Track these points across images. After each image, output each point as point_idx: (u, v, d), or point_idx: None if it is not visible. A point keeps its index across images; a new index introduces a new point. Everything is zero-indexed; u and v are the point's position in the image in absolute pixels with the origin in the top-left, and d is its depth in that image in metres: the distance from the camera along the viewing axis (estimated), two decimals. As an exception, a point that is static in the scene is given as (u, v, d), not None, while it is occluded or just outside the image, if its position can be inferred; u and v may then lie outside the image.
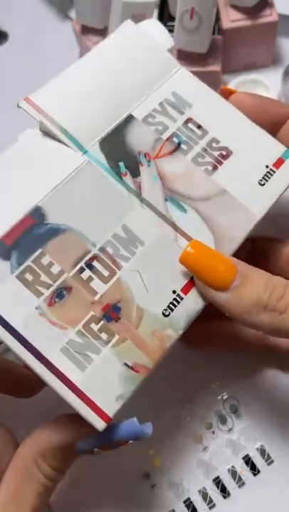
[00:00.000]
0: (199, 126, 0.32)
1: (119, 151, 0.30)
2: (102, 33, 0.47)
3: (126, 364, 0.26)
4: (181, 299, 0.28)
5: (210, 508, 0.36)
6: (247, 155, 0.31)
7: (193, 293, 0.28)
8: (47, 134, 0.30)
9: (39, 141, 0.30)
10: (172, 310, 0.28)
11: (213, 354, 0.38)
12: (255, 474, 0.36)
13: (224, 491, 0.36)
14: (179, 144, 0.31)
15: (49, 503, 0.34)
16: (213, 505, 0.36)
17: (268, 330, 0.27)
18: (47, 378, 0.25)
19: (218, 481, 0.36)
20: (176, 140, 0.31)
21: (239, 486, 0.36)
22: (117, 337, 0.27)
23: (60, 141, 0.29)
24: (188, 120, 0.32)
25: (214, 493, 0.36)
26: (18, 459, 0.28)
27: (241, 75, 0.49)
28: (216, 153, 0.31)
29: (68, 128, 0.29)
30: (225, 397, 0.38)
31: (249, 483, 0.36)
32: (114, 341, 0.27)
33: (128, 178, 0.30)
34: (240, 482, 0.36)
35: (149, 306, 0.28)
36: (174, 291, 0.28)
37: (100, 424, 0.25)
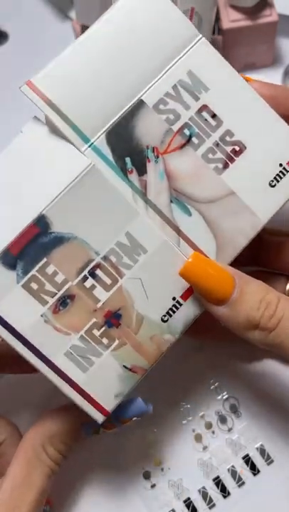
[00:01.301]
0: (214, 115, 0.29)
1: (126, 145, 0.28)
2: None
3: (125, 366, 0.28)
4: (180, 305, 0.29)
5: (210, 507, 0.36)
6: (261, 151, 0.29)
7: (192, 299, 0.29)
8: (51, 125, 0.28)
9: (43, 136, 0.28)
10: (171, 316, 0.28)
11: (214, 356, 0.38)
12: (255, 474, 0.36)
13: (224, 491, 0.36)
14: (190, 137, 0.29)
15: (50, 501, 0.34)
16: (213, 505, 0.36)
17: (261, 346, 0.28)
18: (52, 378, 0.27)
19: (218, 481, 0.36)
20: (187, 132, 0.29)
21: (239, 486, 0.36)
22: (117, 342, 0.28)
23: (63, 134, 0.28)
24: (203, 108, 0.29)
25: (214, 492, 0.36)
26: (25, 446, 0.30)
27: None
28: (229, 149, 0.29)
29: (73, 118, 0.28)
30: (225, 397, 0.38)
31: (249, 483, 0.36)
32: (115, 345, 0.28)
33: (134, 176, 0.28)
34: (240, 482, 0.36)
35: (149, 312, 0.28)
36: (174, 298, 0.28)
37: (99, 417, 0.28)
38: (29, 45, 0.52)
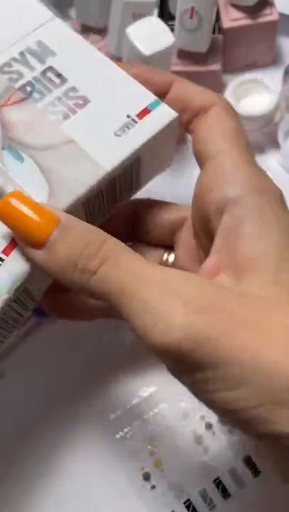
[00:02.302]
0: (59, 75, 0.29)
1: None
2: (102, 32, 0.47)
3: None
4: (2, 260, 0.25)
5: (210, 508, 0.36)
6: (106, 104, 0.28)
7: (16, 253, 0.26)
8: None
9: None
10: None
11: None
12: (255, 475, 0.36)
13: (224, 492, 0.36)
14: (31, 93, 0.28)
15: None
16: (214, 506, 0.36)
17: (83, 293, 0.25)
18: None
19: (218, 482, 0.36)
20: (28, 89, 0.29)
21: (239, 487, 0.36)
22: None
23: None
24: (48, 69, 0.29)
25: (214, 493, 0.36)
26: None
27: (241, 74, 0.49)
28: (72, 102, 0.28)
29: None
30: (225, 398, 0.38)
31: (249, 484, 0.36)
32: None
33: None
34: (240, 483, 0.36)
35: None
36: None
37: None
38: (29, 44, 0.52)
